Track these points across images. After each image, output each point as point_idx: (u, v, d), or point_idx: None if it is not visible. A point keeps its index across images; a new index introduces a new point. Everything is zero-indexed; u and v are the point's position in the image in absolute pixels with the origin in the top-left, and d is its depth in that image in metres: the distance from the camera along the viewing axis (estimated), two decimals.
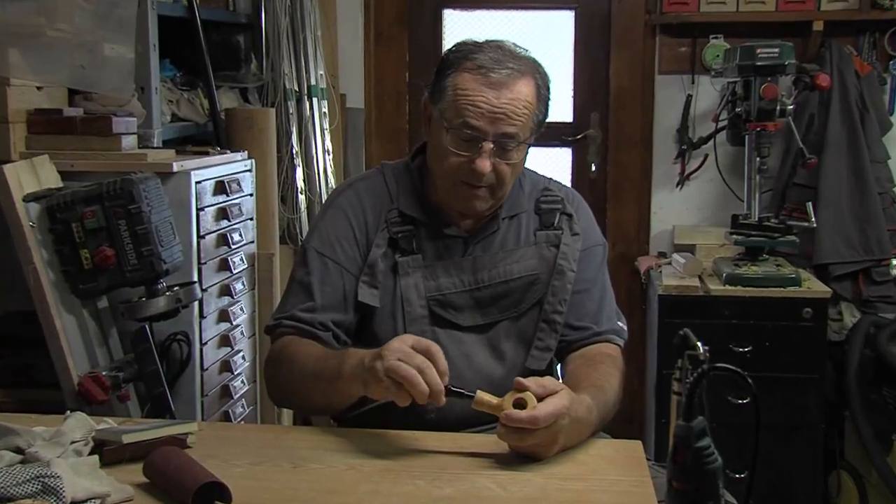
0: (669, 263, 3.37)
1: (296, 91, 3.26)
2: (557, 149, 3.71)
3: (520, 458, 1.44)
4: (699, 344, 1.16)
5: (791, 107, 3.04)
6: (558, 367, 1.86)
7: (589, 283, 1.81)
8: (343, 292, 1.72)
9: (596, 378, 1.63)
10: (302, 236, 3.20)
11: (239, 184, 2.66)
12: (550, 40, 3.57)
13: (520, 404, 1.42)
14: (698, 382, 1.09)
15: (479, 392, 1.46)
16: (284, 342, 1.68)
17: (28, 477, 1.21)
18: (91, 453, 1.39)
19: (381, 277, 1.71)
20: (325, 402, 1.61)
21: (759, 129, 3.04)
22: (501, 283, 1.76)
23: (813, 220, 3.09)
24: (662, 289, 3.10)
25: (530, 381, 1.45)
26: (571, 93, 3.67)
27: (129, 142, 2.35)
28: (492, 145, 1.64)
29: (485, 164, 1.64)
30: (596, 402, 1.55)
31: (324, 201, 2.30)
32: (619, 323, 1.82)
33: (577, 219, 1.81)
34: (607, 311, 1.82)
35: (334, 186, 3.27)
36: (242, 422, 2.64)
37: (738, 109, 3.09)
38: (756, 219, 3.13)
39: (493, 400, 1.45)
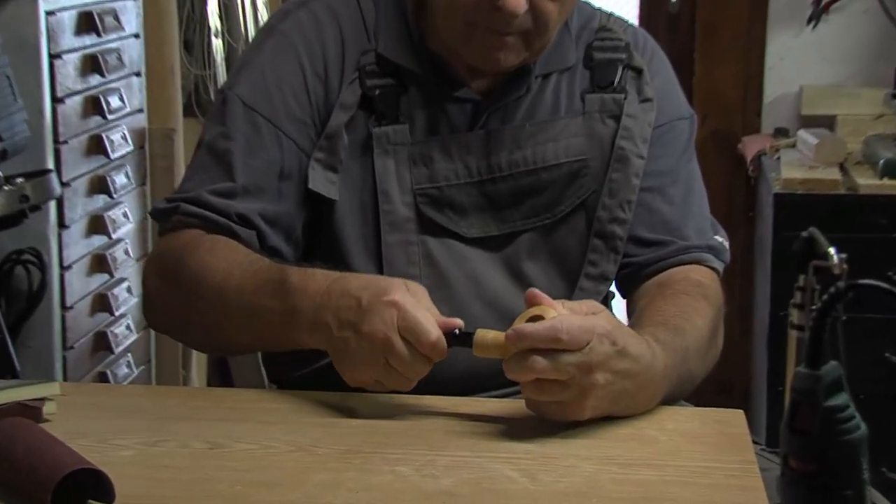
0: (793, 146, 3.40)
1: None
2: None
3: (557, 431, 1.44)
4: (832, 250, 1.16)
5: None
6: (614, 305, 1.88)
7: (667, 176, 1.81)
8: (279, 170, 1.72)
9: (670, 314, 1.63)
10: None
11: (116, 18, 2.65)
12: None
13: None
14: (830, 308, 1.07)
15: (479, 332, 1.48)
16: (188, 239, 1.68)
17: None
18: None
19: (344, 156, 1.72)
20: (249, 342, 1.65)
21: None
22: (528, 174, 1.76)
23: None
24: (781, 184, 3.14)
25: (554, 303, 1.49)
26: None
27: None
28: None
29: (518, 1, 1.63)
30: (666, 346, 1.53)
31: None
32: (715, 237, 1.83)
33: (649, 76, 1.80)
34: (697, 219, 1.82)
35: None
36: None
37: None
38: None
39: (501, 336, 1.45)
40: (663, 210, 1.80)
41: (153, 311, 1.74)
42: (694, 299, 1.69)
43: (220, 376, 1.89)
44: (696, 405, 1.67)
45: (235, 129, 1.72)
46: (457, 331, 1.48)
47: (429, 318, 1.46)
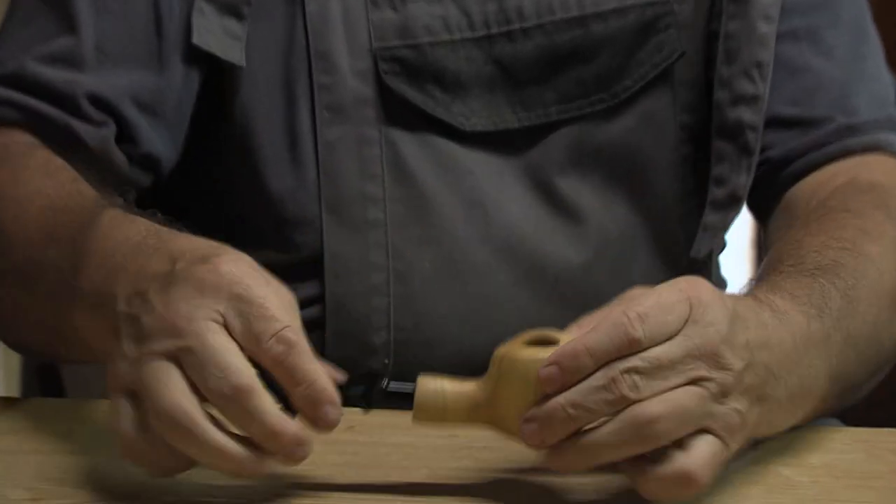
0: None
1: None
2: None
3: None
4: None
5: None
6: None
7: (821, 12, 1.66)
8: (154, 18, 1.55)
9: (812, 245, 1.47)
10: None
11: None
12: None
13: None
14: None
15: (420, 380, 1.25)
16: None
17: None
18: None
19: None
20: (33, 333, 1.53)
21: None
22: (569, 25, 1.60)
23: None
24: None
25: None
26: None
27: None
28: None
29: None
30: (802, 301, 1.33)
31: None
32: None
33: None
34: (872, 80, 1.69)
35: None
36: None
37: None
38: None
39: (469, 389, 1.23)
40: (814, 67, 1.68)
41: None
42: (861, 216, 1.53)
43: (43, 382, 1.86)
44: (857, 425, 1.54)
45: None
46: (383, 383, 1.25)
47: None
